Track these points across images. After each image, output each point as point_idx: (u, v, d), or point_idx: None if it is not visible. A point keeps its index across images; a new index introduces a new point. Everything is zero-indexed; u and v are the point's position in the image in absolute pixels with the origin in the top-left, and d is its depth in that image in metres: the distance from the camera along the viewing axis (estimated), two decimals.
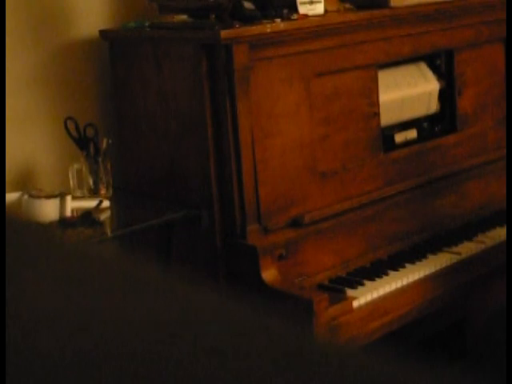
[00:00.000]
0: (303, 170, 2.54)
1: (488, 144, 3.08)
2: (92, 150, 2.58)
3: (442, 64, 2.98)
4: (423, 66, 2.94)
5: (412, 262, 2.61)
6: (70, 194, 2.46)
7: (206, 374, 0.37)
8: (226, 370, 0.37)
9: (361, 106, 2.68)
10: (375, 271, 2.55)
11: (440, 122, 2.99)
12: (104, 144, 2.59)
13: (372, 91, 2.71)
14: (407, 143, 2.88)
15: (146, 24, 2.65)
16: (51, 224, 2.31)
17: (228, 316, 0.43)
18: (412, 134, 2.91)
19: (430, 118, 2.97)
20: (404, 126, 2.90)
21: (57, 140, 2.67)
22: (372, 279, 2.50)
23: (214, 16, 2.46)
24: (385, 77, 2.77)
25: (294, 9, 2.55)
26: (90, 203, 2.48)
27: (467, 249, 2.72)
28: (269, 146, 2.46)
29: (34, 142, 2.65)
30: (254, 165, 2.42)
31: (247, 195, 2.42)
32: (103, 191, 2.58)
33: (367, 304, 2.41)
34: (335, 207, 2.58)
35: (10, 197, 2.43)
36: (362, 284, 2.47)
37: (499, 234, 2.84)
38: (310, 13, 2.57)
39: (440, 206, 2.86)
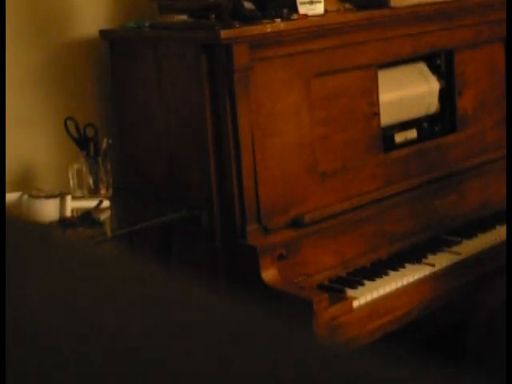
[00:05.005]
0: (303, 170, 2.54)
1: (488, 144, 3.08)
2: (92, 149, 2.58)
3: (441, 64, 2.98)
4: (423, 66, 2.94)
5: (412, 262, 2.61)
6: (69, 193, 2.46)
7: (206, 374, 0.37)
8: (227, 370, 0.37)
9: (361, 105, 2.68)
10: (375, 271, 2.55)
11: (440, 122, 2.99)
12: (104, 144, 2.59)
13: (372, 91, 2.71)
14: (407, 143, 2.88)
15: (146, 24, 2.65)
16: (51, 224, 2.31)
17: (228, 316, 0.43)
18: (412, 133, 2.91)
19: (430, 118, 2.97)
20: (404, 125, 2.90)
21: (57, 140, 2.67)
22: (372, 279, 2.49)
23: (213, 16, 2.46)
24: (385, 77, 2.77)
25: (294, 9, 2.55)
26: (90, 203, 2.48)
27: (467, 249, 2.72)
28: (269, 145, 2.46)
29: (33, 142, 2.65)
30: (254, 165, 2.42)
31: (247, 195, 2.42)
32: (103, 191, 2.58)
33: (367, 304, 2.41)
34: (335, 207, 2.58)
35: (10, 197, 2.42)
36: (362, 284, 2.47)
37: (499, 233, 2.84)
38: (310, 13, 2.57)
39: (440, 206, 2.86)
